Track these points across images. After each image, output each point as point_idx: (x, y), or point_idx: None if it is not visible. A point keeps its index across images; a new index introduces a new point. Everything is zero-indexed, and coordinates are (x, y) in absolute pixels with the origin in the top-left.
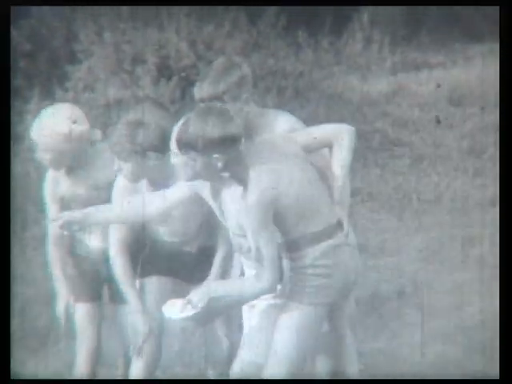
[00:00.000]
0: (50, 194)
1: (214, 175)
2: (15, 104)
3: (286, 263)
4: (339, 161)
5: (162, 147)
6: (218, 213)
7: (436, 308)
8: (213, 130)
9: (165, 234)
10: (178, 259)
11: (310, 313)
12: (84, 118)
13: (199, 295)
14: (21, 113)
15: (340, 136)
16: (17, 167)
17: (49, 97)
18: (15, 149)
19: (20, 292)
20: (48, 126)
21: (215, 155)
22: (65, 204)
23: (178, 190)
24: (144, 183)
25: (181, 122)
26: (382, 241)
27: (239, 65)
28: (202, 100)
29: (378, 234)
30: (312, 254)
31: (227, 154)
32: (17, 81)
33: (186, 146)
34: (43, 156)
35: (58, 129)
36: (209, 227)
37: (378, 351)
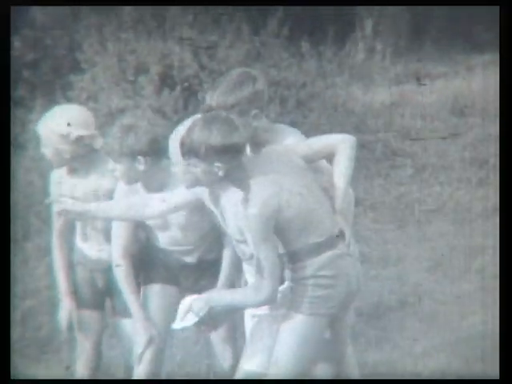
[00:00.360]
0: (53, 191)
1: (214, 183)
2: (18, 114)
3: (287, 274)
4: (340, 171)
5: (152, 153)
6: (220, 219)
7: (438, 318)
8: (216, 138)
9: (165, 241)
10: (179, 269)
11: (312, 323)
12: (89, 124)
13: (200, 304)
14: (23, 123)
15: (341, 146)
16: (20, 177)
17: (52, 107)
18: (18, 158)
19: (22, 302)
20: (50, 123)
21: (217, 164)
22: None
23: (180, 193)
24: (140, 187)
25: (181, 126)
26: (385, 251)
27: (255, 79)
28: (211, 109)
29: (380, 244)
30: (313, 264)
31: (229, 163)
32: (20, 91)
33: (188, 151)
34: (44, 151)
35: (57, 129)
36: (211, 240)
37: (380, 361)
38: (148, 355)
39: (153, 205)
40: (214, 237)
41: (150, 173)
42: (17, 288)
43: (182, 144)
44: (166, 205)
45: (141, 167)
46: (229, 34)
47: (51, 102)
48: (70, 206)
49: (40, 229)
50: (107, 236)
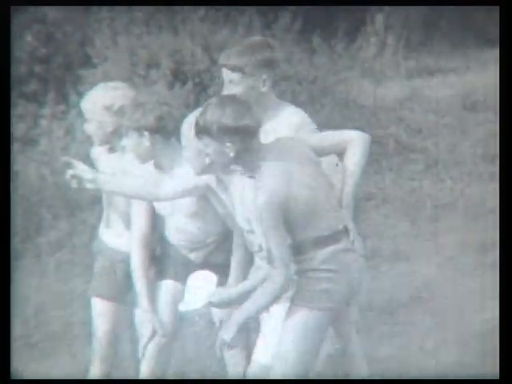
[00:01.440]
0: (94, 167)
1: (224, 164)
2: (30, 108)
3: (291, 266)
4: (351, 167)
5: (159, 130)
6: (230, 207)
7: (450, 313)
8: (229, 117)
9: (172, 232)
10: (186, 267)
11: (314, 317)
12: (131, 97)
13: (229, 330)
14: (36, 117)
15: (354, 142)
16: (32, 172)
17: (63, 101)
18: (30, 153)
19: (34, 296)
20: (95, 95)
21: (228, 143)
22: None
23: (191, 178)
24: (151, 166)
25: (194, 112)
26: (396, 246)
27: (271, 47)
28: (225, 65)
29: (391, 239)
30: (317, 257)
31: (240, 144)
32: (32, 85)
33: (201, 130)
34: (87, 127)
35: (101, 100)
36: (219, 242)
37: (391, 356)
38: (152, 350)
39: (164, 186)
40: (222, 238)
41: (158, 151)
42: (29, 283)
43: (196, 123)
44: (177, 187)
45: (147, 143)
46: (240, 28)
47: (63, 97)
48: (81, 172)
49: (52, 224)
50: (126, 222)
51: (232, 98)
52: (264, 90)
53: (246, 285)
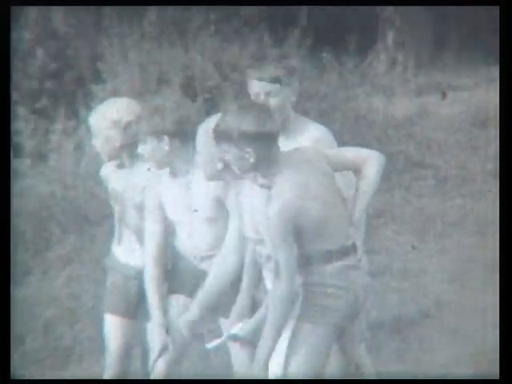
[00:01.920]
0: (107, 186)
1: (243, 170)
2: (40, 124)
3: (297, 277)
4: (365, 186)
5: (178, 134)
6: (238, 218)
7: (459, 330)
8: (249, 123)
9: (183, 241)
10: (196, 281)
11: (318, 333)
12: (138, 113)
13: (260, 366)
14: (46, 133)
15: (370, 161)
16: (42, 187)
17: (74, 117)
18: (40, 168)
19: (43, 311)
20: (102, 111)
21: (248, 149)
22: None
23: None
24: (167, 175)
25: (211, 117)
26: (406, 262)
27: (288, 57)
28: (261, 78)
29: (401, 255)
30: (323, 272)
31: (260, 150)
32: (43, 101)
33: (221, 135)
34: (95, 142)
35: (109, 115)
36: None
37: (401, 373)
38: (162, 365)
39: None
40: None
41: (175, 156)
42: (39, 298)
43: (216, 128)
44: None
45: (166, 147)
46: (251, 44)
47: (73, 113)
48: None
49: (61, 239)
50: (139, 237)
51: (252, 104)
52: (294, 99)
53: (262, 312)
